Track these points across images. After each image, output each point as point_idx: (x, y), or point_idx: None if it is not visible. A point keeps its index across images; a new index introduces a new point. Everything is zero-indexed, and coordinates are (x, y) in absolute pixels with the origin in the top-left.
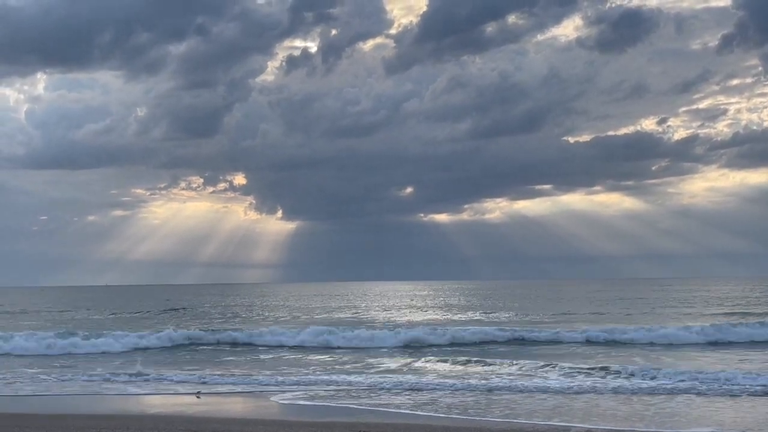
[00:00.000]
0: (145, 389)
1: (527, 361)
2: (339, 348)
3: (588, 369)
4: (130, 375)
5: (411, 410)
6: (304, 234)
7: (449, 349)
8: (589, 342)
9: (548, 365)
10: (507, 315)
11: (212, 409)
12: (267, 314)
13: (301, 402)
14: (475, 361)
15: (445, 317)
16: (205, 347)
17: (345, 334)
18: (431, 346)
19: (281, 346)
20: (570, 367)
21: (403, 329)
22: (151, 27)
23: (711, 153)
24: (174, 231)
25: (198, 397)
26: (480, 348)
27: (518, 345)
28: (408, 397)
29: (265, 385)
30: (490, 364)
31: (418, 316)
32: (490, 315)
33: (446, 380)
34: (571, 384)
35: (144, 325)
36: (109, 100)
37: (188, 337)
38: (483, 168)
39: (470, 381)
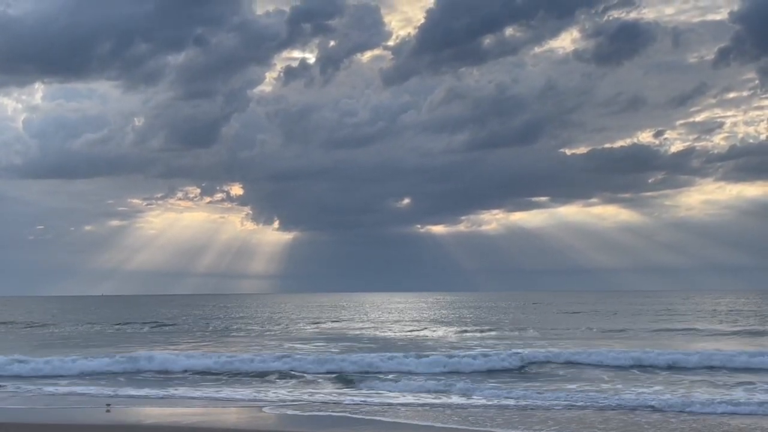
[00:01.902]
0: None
1: None
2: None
3: None
4: None
5: (407, 420)
6: (301, 245)
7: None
8: None
9: None
10: (576, 330)
11: (207, 419)
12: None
13: (297, 413)
14: None
15: (520, 333)
16: None
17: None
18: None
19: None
20: None
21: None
22: (150, 37)
23: (707, 166)
24: (170, 241)
25: (108, 411)
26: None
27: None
28: None
29: None
30: None
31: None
32: (550, 331)
33: None
34: None
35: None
36: (107, 109)
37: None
38: (480, 180)
39: None
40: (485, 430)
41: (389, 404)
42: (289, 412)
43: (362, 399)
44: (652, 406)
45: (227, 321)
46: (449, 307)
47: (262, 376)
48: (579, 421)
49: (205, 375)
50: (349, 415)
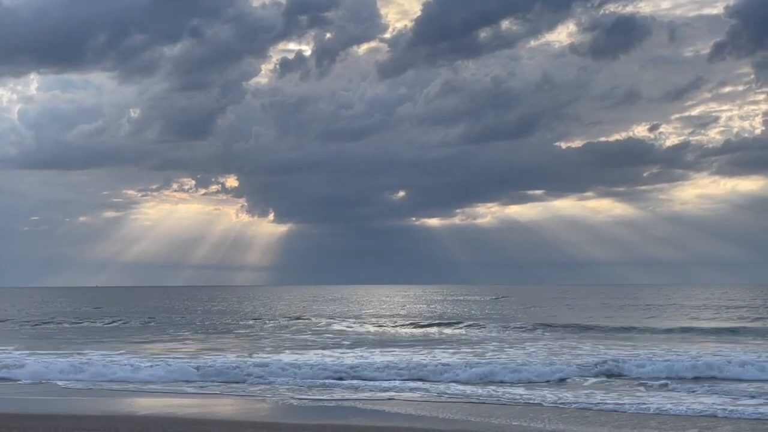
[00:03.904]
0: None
1: None
2: None
3: None
4: None
5: (403, 410)
6: (296, 237)
7: None
8: None
9: None
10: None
11: (203, 410)
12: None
13: (293, 402)
14: None
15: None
16: None
17: None
18: None
19: None
20: None
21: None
22: (145, 28)
23: (702, 160)
24: (165, 233)
25: None
26: None
27: None
28: None
29: None
30: None
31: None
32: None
33: None
34: None
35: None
36: (102, 101)
37: None
38: (475, 173)
39: None
40: (486, 420)
41: (396, 398)
42: (294, 402)
43: None
44: None
45: (189, 315)
46: (418, 300)
47: None
48: None
49: None
50: (360, 406)
